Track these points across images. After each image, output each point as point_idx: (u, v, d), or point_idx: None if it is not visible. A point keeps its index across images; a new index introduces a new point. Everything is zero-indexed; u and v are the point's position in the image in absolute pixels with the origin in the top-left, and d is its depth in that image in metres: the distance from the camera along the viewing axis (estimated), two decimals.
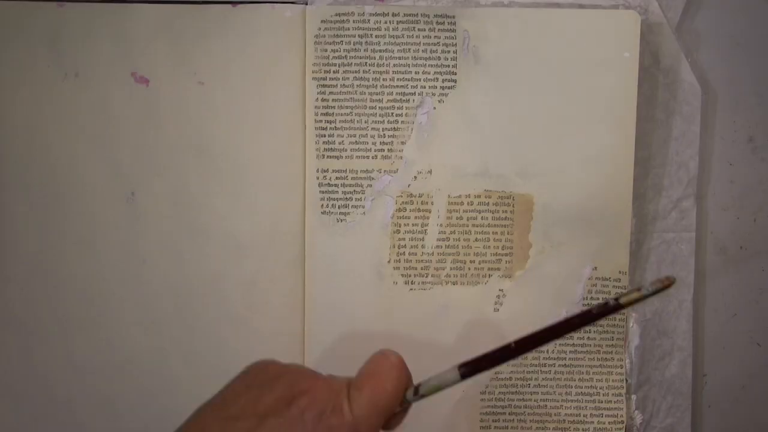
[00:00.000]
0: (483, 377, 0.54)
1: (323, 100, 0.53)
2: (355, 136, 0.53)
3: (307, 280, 0.53)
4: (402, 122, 0.53)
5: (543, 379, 0.54)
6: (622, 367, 0.54)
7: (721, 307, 0.55)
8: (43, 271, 0.53)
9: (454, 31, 0.53)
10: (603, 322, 0.53)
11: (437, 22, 0.53)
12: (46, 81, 0.52)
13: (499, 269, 0.54)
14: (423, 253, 0.53)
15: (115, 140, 0.53)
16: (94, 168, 0.53)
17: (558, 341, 0.53)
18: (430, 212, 0.53)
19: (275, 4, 0.52)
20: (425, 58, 0.53)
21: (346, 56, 0.53)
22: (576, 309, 0.53)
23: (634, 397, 0.54)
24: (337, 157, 0.53)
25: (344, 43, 0.52)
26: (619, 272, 0.53)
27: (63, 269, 0.53)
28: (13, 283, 0.53)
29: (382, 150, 0.53)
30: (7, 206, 0.53)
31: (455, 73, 0.53)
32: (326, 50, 0.52)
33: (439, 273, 0.53)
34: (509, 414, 0.54)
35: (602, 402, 0.54)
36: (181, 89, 0.52)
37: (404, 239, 0.53)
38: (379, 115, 0.53)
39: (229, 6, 0.52)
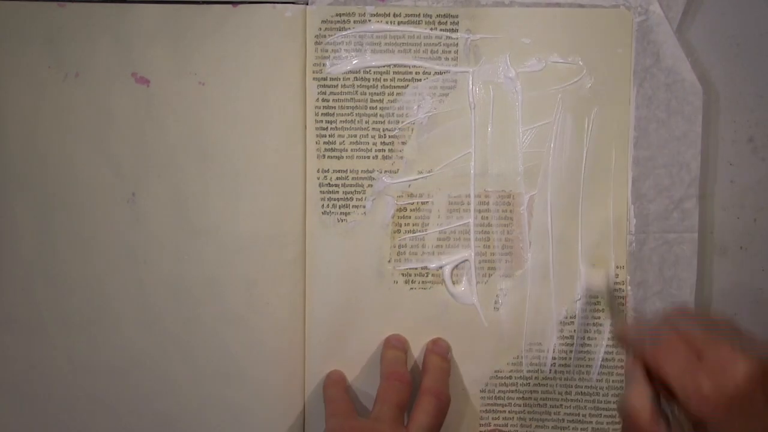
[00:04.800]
0: (483, 375, 0.54)
1: (323, 100, 0.53)
2: (355, 136, 0.53)
3: (308, 280, 0.53)
4: (402, 122, 0.53)
5: (543, 378, 0.54)
6: (622, 367, 0.54)
7: (721, 307, 0.55)
8: (44, 271, 0.53)
9: (455, 30, 0.53)
10: (603, 321, 0.53)
11: (439, 22, 0.53)
12: (46, 81, 0.52)
13: (499, 269, 0.54)
14: (423, 252, 0.53)
15: (115, 141, 0.53)
16: (94, 169, 0.53)
17: (557, 341, 0.54)
18: (430, 212, 0.53)
19: (276, 4, 0.52)
20: (426, 58, 0.53)
21: (346, 56, 0.52)
22: (575, 306, 0.53)
23: None
24: (337, 158, 0.53)
25: (344, 43, 0.52)
26: (617, 267, 0.53)
27: (64, 270, 0.53)
28: (14, 283, 0.53)
29: (383, 150, 0.53)
30: (7, 207, 0.53)
31: (456, 73, 0.53)
32: (326, 50, 0.52)
33: (439, 272, 0.54)
34: (509, 413, 0.54)
35: (602, 402, 0.54)
36: (182, 89, 0.52)
37: (404, 239, 0.53)
38: (380, 115, 0.53)
39: (229, 6, 0.52)
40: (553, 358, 0.54)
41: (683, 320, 0.42)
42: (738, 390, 0.38)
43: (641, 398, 0.41)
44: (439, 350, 0.53)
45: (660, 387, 0.41)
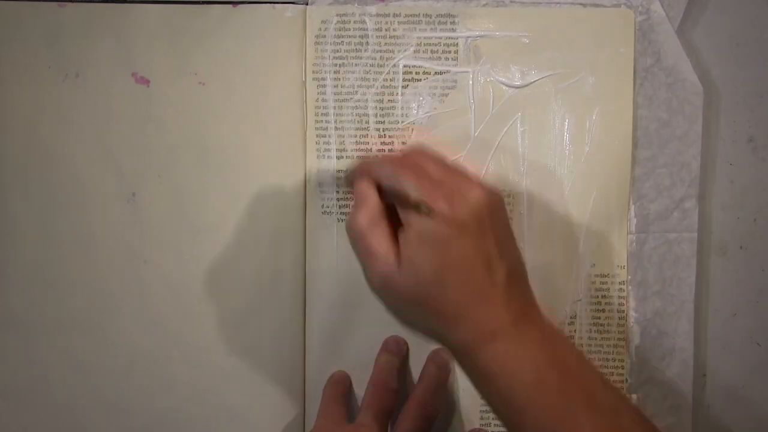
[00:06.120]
0: None
1: (323, 100, 0.53)
2: (355, 136, 0.53)
3: (308, 280, 0.53)
4: (402, 122, 0.53)
5: None
6: (622, 366, 0.54)
7: (721, 307, 0.55)
8: (45, 271, 0.53)
9: (455, 30, 0.53)
10: (603, 321, 0.53)
11: (439, 22, 0.53)
12: (46, 81, 0.52)
13: None
14: None
15: (115, 141, 0.53)
16: (95, 168, 0.53)
17: None
18: None
19: (276, 5, 0.52)
20: (426, 58, 0.53)
21: (346, 56, 0.53)
22: (576, 307, 0.53)
23: (634, 396, 0.54)
24: (337, 157, 0.53)
25: (345, 43, 0.52)
26: (618, 266, 0.53)
27: (64, 269, 0.53)
28: (15, 283, 0.53)
29: (383, 150, 0.53)
30: (8, 207, 0.53)
31: (456, 73, 0.53)
32: (326, 50, 0.52)
33: None
34: None
35: None
36: (182, 90, 0.52)
37: None
38: (380, 116, 0.53)
39: (229, 6, 0.52)
40: None
41: (422, 158, 0.43)
42: (470, 212, 0.40)
43: (371, 215, 0.41)
44: (439, 360, 0.53)
45: (391, 204, 0.42)
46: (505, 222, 0.42)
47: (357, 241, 0.42)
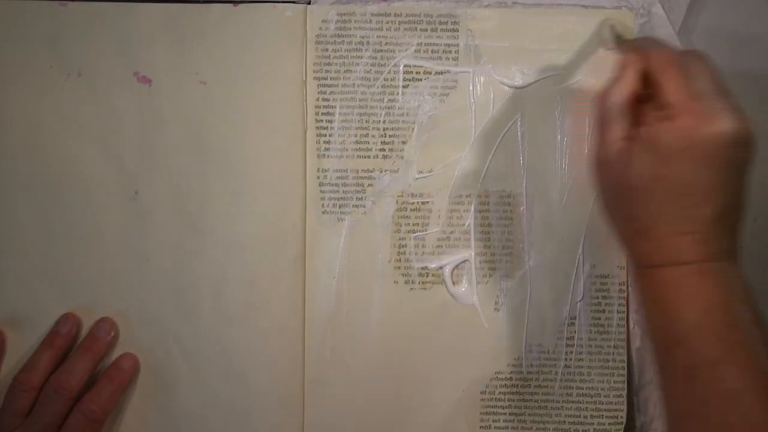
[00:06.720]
0: (483, 377, 0.54)
1: (324, 99, 0.53)
2: (355, 135, 0.53)
3: (308, 279, 0.53)
4: (403, 122, 0.53)
5: (543, 379, 0.54)
6: (623, 368, 0.53)
7: None
8: (47, 269, 0.53)
9: (456, 31, 0.53)
10: (604, 322, 0.53)
11: (440, 22, 0.53)
12: (48, 81, 0.53)
13: (499, 269, 0.54)
14: (423, 252, 0.53)
15: (118, 140, 0.53)
16: (97, 167, 0.53)
17: (558, 342, 0.53)
18: (430, 212, 0.53)
19: (276, 4, 0.52)
20: (426, 58, 0.53)
21: (347, 56, 0.53)
22: (576, 307, 0.53)
23: (635, 398, 0.54)
24: (337, 157, 0.53)
25: (345, 43, 0.53)
26: (618, 267, 0.53)
27: (67, 267, 0.53)
28: (17, 281, 0.53)
29: (383, 150, 0.53)
30: (10, 206, 0.53)
31: (456, 73, 0.53)
32: (327, 50, 0.53)
33: (439, 273, 0.54)
34: (509, 414, 0.54)
35: (603, 403, 0.54)
36: (183, 89, 0.53)
37: (405, 239, 0.53)
38: (380, 115, 0.53)
39: (230, 6, 0.52)
40: (554, 360, 0.54)
41: (697, 68, 0.43)
42: (706, 141, 0.40)
43: (623, 95, 0.42)
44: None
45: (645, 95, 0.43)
46: (742, 164, 0.42)
47: (600, 112, 0.42)
